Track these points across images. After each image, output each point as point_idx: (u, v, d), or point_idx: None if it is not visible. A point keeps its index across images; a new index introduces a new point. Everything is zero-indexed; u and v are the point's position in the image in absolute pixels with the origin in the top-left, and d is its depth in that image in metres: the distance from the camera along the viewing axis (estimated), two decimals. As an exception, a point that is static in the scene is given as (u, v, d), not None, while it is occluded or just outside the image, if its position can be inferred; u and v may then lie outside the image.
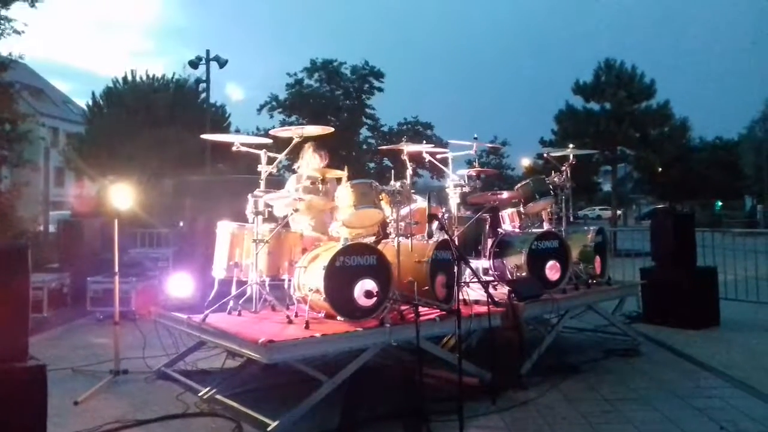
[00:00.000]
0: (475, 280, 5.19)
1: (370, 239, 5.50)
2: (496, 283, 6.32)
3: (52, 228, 16.79)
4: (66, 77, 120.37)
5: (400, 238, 5.19)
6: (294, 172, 6.23)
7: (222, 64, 23.07)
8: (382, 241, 5.70)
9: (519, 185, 6.91)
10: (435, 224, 5.23)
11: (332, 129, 6.08)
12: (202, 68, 22.92)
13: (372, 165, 37.38)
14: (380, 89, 37.72)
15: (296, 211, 5.48)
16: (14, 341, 3.37)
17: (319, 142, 6.18)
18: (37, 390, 3.33)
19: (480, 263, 6.48)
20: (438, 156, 6.55)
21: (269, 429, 4.20)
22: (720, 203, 40.71)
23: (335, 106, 36.20)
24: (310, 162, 6.14)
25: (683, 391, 5.18)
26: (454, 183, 6.38)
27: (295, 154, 6.00)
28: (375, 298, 4.81)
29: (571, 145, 7.06)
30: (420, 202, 5.78)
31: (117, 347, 5.73)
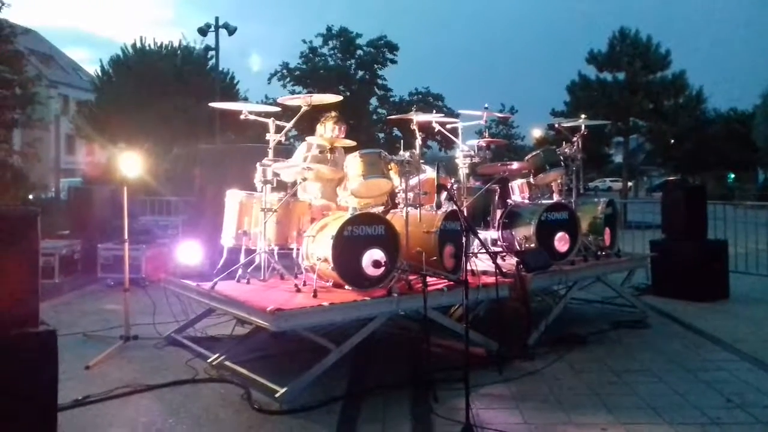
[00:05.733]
0: (484, 250, 5.17)
1: (379, 209, 5.49)
2: (504, 254, 6.32)
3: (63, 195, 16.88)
4: (86, 44, 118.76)
5: (409, 209, 5.18)
6: (304, 139, 6.18)
7: (231, 31, 22.86)
8: (391, 211, 5.69)
9: (529, 156, 6.84)
10: (444, 195, 5.20)
11: (341, 98, 6.01)
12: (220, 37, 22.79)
13: (381, 135, 37.12)
14: (394, 61, 37.32)
15: (305, 180, 5.47)
16: (25, 307, 3.39)
17: (338, 114, 6.09)
18: (49, 355, 3.36)
19: (489, 234, 6.47)
20: (448, 126, 6.49)
21: (277, 395, 4.25)
22: (732, 176, 40.25)
23: (347, 76, 35.77)
24: (327, 131, 5.98)
25: (690, 363, 5.18)
26: (464, 153, 6.33)
27: (304, 122, 5.94)
28: (383, 268, 4.82)
29: (582, 116, 6.96)
30: (429, 173, 5.74)
31: (127, 313, 5.78)
